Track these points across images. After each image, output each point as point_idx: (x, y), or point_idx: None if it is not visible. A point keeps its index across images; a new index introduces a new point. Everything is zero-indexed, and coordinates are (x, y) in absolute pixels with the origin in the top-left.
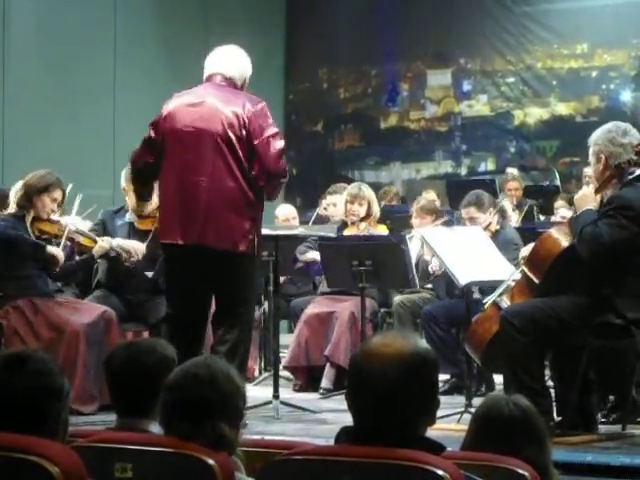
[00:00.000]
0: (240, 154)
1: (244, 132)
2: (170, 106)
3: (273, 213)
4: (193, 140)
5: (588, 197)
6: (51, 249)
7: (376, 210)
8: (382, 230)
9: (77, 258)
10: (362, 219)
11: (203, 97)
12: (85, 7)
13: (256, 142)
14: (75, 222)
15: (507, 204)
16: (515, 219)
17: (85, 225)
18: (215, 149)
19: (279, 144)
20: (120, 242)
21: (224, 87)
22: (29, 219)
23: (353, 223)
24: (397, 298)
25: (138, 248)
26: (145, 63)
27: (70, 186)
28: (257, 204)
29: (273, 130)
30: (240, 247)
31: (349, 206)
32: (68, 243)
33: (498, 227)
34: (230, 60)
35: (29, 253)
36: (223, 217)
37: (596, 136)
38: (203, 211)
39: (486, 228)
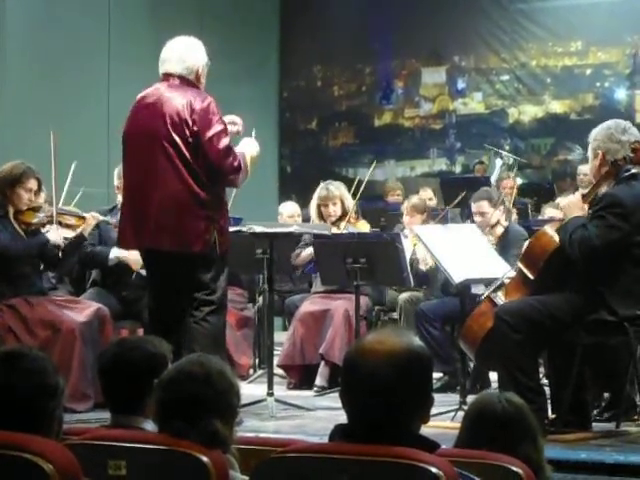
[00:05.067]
0: (187, 154)
1: (189, 131)
2: (132, 107)
3: (276, 209)
4: (141, 143)
5: (575, 204)
6: (53, 239)
7: (350, 205)
8: (363, 227)
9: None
10: (340, 218)
11: (153, 98)
12: (80, 8)
13: (201, 141)
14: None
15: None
16: (513, 217)
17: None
18: (161, 151)
19: (224, 141)
20: (118, 254)
21: (174, 86)
22: (11, 215)
23: (332, 224)
24: (403, 295)
25: (137, 260)
26: (140, 63)
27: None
28: (214, 202)
29: (218, 128)
30: (194, 248)
31: (323, 209)
32: (57, 226)
33: (507, 223)
34: (179, 56)
35: (35, 254)
36: (174, 219)
37: (595, 132)
38: (154, 214)
39: (495, 225)
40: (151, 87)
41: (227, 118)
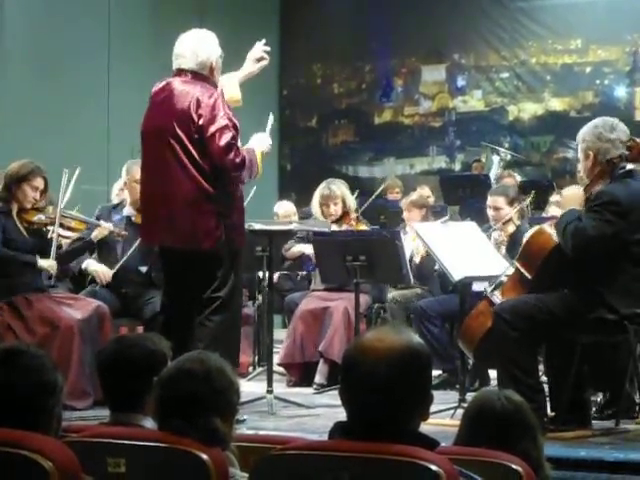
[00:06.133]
0: (192, 151)
1: (194, 128)
2: (148, 103)
3: (271, 210)
4: (152, 140)
5: (578, 197)
6: (42, 263)
7: (351, 204)
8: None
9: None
10: (341, 217)
11: (164, 94)
12: (80, 8)
13: (204, 136)
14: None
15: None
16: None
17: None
18: (168, 148)
19: (225, 137)
20: (89, 266)
21: (186, 81)
22: (14, 212)
23: (333, 223)
24: (391, 294)
25: (104, 274)
26: (139, 63)
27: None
28: (224, 198)
29: (221, 124)
30: (204, 245)
31: (324, 209)
32: (60, 230)
33: (519, 222)
34: (193, 52)
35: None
36: (184, 216)
37: (584, 133)
38: (164, 212)
39: (507, 222)
40: (164, 82)
41: (254, 51)
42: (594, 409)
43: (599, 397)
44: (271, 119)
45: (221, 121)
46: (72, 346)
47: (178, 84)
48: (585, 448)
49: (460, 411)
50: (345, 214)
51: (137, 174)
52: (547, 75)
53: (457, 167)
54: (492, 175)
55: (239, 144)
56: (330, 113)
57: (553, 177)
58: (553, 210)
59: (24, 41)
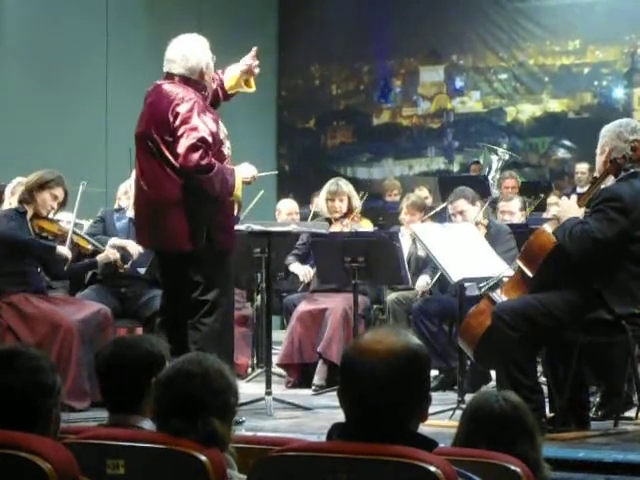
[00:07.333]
0: (167, 153)
1: (170, 131)
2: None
3: (274, 208)
4: (139, 143)
5: (571, 207)
6: (61, 249)
7: (356, 204)
8: (366, 225)
9: (84, 261)
10: (345, 215)
11: (150, 98)
12: (78, 9)
13: (175, 137)
14: (72, 221)
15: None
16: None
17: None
18: (148, 152)
19: (192, 137)
20: (115, 241)
21: (173, 84)
22: (29, 215)
23: (337, 220)
24: (392, 295)
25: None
26: (137, 63)
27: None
28: (206, 199)
29: (192, 125)
30: (186, 247)
31: (330, 204)
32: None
33: (486, 221)
34: (183, 56)
35: (36, 254)
36: (165, 220)
37: (606, 128)
38: (149, 215)
39: (478, 222)
40: (153, 85)
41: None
42: (592, 409)
43: (597, 398)
44: (273, 172)
45: (194, 122)
46: (72, 347)
47: (164, 87)
48: (584, 449)
49: (459, 412)
50: (349, 212)
51: None
52: (545, 76)
53: (455, 168)
54: (490, 176)
55: (226, 153)
56: (328, 114)
57: (551, 178)
58: (554, 210)
59: (23, 42)
